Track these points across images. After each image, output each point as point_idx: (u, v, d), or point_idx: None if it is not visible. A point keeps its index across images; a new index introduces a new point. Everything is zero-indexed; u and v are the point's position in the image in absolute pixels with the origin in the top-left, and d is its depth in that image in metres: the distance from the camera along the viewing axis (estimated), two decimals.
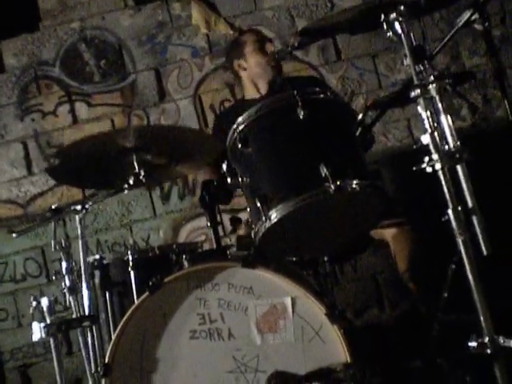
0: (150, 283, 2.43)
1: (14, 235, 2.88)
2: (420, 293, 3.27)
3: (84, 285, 2.70)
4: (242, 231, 3.17)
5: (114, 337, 2.45)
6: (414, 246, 3.28)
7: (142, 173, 2.64)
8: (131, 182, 2.65)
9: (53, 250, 2.81)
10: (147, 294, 2.43)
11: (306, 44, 3.04)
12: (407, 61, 2.29)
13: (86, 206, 2.67)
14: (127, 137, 2.56)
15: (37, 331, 2.58)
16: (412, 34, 2.32)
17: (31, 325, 2.64)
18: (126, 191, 2.70)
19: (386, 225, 3.18)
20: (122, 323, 2.44)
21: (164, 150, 2.72)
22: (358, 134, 2.50)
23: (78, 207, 2.65)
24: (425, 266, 3.25)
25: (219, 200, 2.75)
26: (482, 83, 4.51)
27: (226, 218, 3.05)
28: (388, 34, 2.36)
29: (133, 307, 2.45)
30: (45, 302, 2.61)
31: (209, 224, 2.68)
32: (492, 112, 4.54)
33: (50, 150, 4.66)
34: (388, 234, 3.30)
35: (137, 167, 2.63)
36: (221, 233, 2.79)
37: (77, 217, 2.67)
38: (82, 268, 2.70)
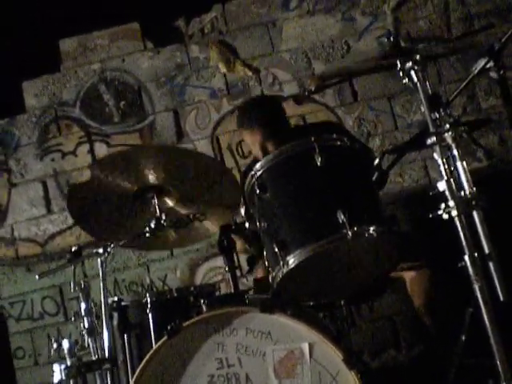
0: (169, 327, 2.44)
1: (36, 277, 2.91)
2: (437, 335, 3.27)
3: (105, 327, 2.72)
4: (259, 273, 3.19)
5: (132, 381, 2.46)
6: (431, 288, 3.28)
7: (163, 217, 2.68)
8: (152, 225, 2.69)
9: (72, 291, 2.84)
10: (166, 338, 2.44)
11: (323, 88, 3.08)
12: (423, 108, 2.32)
13: (108, 250, 2.70)
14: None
15: (57, 373, 2.60)
16: (428, 82, 2.36)
17: (48, 364, 2.65)
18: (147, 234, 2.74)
19: (405, 267, 3.19)
20: (140, 367, 2.44)
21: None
22: (374, 178, 2.53)
23: (100, 250, 2.69)
24: (443, 309, 3.25)
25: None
26: (498, 124, 4.52)
27: (242, 258, 3.07)
28: (404, 80, 2.39)
29: (151, 351, 2.45)
30: (66, 344, 2.63)
31: (227, 268, 2.71)
32: (508, 153, 4.55)
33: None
34: (406, 276, 3.31)
35: (158, 211, 2.67)
36: (237, 273, 2.81)
37: (99, 260, 2.70)
38: (103, 310, 2.72)
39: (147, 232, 2.72)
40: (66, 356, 2.61)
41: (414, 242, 3.46)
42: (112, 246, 2.72)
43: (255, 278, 3.04)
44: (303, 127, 3.84)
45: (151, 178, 2.74)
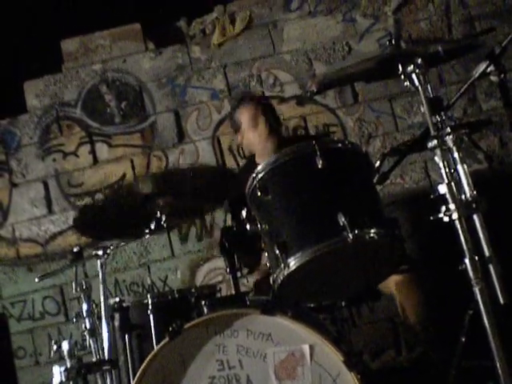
0: (170, 329, 2.45)
1: (36, 280, 2.92)
2: (437, 337, 3.27)
3: (104, 328, 2.73)
4: (258, 275, 3.20)
5: (133, 383, 2.46)
6: (419, 291, 3.29)
7: (164, 218, 2.69)
8: (152, 226, 2.70)
9: (73, 292, 2.85)
10: (167, 339, 2.45)
11: (324, 90, 3.09)
12: (424, 110, 2.33)
13: (108, 251, 2.71)
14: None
15: (57, 375, 2.60)
16: (429, 85, 2.37)
17: (49, 363, 2.66)
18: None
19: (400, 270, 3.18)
20: (141, 369, 2.45)
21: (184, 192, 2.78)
22: (375, 181, 2.54)
23: (100, 252, 2.70)
24: (443, 312, 3.25)
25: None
26: (498, 126, 4.53)
27: None
28: (405, 83, 2.40)
29: (152, 353, 2.46)
30: (65, 345, 2.63)
31: (228, 270, 2.71)
32: (509, 155, 4.56)
33: (71, 189, 4.73)
34: (393, 279, 3.28)
35: (158, 212, 2.68)
36: (238, 274, 2.81)
37: (98, 261, 2.71)
38: (103, 312, 2.73)
39: (147, 233, 2.73)
40: (66, 357, 2.62)
41: (418, 245, 3.47)
42: (111, 247, 2.73)
43: (255, 280, 3.05)
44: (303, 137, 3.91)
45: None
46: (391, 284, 3.31)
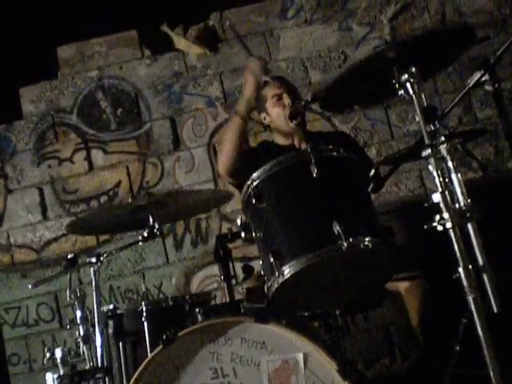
0: (164, 336, 2.44)
1: (30, 286, 2.91)
2: (432, 345, 3.27)
3: (98, 335, 2.72)
4: (251, 283, 3.19)
5: None
6: (426, 299, 3.29)
7: (157, 225, 2.69)
8: (146, 234, 2.70)
9: (68, 299, 2.85)
10: (161, 347, 2.45)
11: (320, 98, 3.09)
12: (418, 119, 2.34)
13: (101, 259, 2.71)
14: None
15: (50, 382, 2.60)
16: (423, 94, 2.37)
17: (42, 370, 2.65)
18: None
19: (400, 278, 3.20)
20: (135, 376, 2.45)
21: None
22: (370, 189, 2.54)
23: (93, 259, 2.69)
24: (437, 320, 3.26)
25: None
26: (493, 135, 4.53)
27: (238, 266, 3.07)
28: (400, 92, 2.41)
29: (146, 360, 2.46)
30: (58, 352, 2.63)
31: (222, 277, 2.71)
32: (504, 163, 4.57)
33: (66, 196, 4.73)
34: (402, 286, 3.32)
35: (151, 220, 2.69)
36: (233, 281, 2.81)
37: (91, 269, 2.71)
38: (96, 319, 2.73)
39: (140, 240, 2.73)
40: (59, 365, 2.61)
41: (410, 253, 3.47)
42: (105, 255, 2.73)
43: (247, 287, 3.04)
44: (315, 134, 3.86)
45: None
46: (401, 289, 3.32)
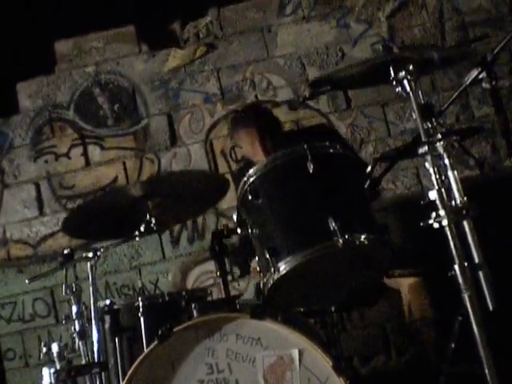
0: (160, 332, 2.45)
1: (26, 281, 2.91)
2: (431, 342, 3.29)
3: (94, 331, 2.72)
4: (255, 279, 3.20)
5: None
6: (427, 296, 3.31)
7: (153, 220, 2.69)
8: (142, 229, 2.70)
9: (63, 294, 2.84)
10: (156, 342, 2.45)
11: (317, 95, 3.10)
12: (415, 117, 2.34)
13: (98, 254, 2.70)
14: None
15: (46, 377, 2.59)
16: (420, 91, 2.37)
17: (38, 365, 2.64)
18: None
19: (406, 274, 3.21)
20: (130, 372, 2.45)
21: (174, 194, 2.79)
22: (366, 186, 2.54)
23: (90, 254, 2.69)
24: (436, 316, 3.27)
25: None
26: (490, 133, 4.54)
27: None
28: (397, 89, 2.41)
29: (142, 356, 2.46)
30: (55, 347, 2.62)
31: (218, 273, 2.71)
32: (500, 161, 4.57)
33: (62, 191, 4.72)
34: (404, 282, 3.33)
35: (148, 215, 2.68)
36: (229, 277, 2.82)
37: (88, 264, 2.71)
38: (92, 314, 2.73)
39: (136, 236, 2.73)
40: (56, 359, 2.61)
41: (411, 251, 3.48)
42: (102, 250, 2.72)
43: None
44: (296, 132, 3.87)
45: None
46: (404, 285, 3.33)
